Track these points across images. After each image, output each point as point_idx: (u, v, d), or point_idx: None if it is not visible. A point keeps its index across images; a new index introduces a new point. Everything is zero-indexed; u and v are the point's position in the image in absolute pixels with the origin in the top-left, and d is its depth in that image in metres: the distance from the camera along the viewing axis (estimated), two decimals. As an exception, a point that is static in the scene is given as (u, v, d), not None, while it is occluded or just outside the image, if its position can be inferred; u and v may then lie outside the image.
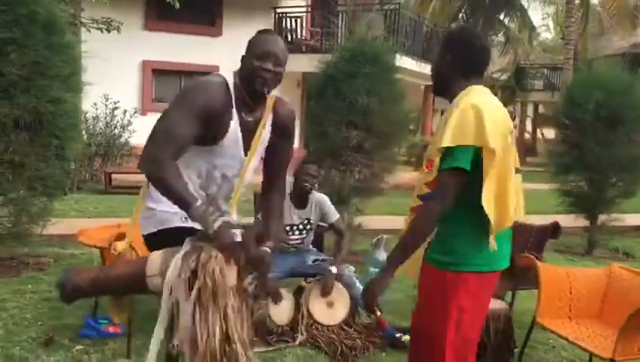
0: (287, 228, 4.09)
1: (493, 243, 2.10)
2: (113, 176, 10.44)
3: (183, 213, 2.09)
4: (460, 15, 21.16)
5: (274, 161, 2.47)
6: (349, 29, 13.94)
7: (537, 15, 35.68)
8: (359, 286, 4.05)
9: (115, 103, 11.28)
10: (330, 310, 3.98)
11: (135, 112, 11.44)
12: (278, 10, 13.75)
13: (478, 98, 2.15)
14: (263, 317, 3.87)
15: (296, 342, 3.80)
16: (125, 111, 11.37)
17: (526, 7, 23.41)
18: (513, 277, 4.02)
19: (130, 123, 11.37)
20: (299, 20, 13.70)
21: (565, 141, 7.25)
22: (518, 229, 4.36)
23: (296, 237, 4.16)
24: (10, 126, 4.62)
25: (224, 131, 2.21)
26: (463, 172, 2.07)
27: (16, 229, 5.06)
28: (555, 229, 4.39)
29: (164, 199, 2.11)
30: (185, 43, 12.89)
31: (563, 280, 3.50)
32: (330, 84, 5.56)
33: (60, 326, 3.80)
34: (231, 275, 2.04)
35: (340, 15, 13.94)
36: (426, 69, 14.96)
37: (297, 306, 3.97)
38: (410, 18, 14.42)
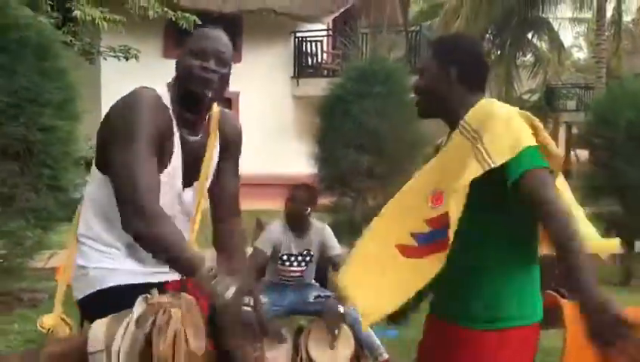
0: (285, 258, 3.75)
1: None
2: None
3: (126, 267, 1.80)
4: (487, 35, 20.79)
5: (227, 188, 2.06)
6: (370, 51, 13.76)
7: (568, 34, 35.06)
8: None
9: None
10: (332, 352, 3.61)
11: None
12: (298, 35, 13.61)
13: (511, 108, 1.76)
14: (257, 360, 3.53)
15: (294, 389, 3.44)
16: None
17: (555, 26, 22.96)
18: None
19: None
20: (319, 44, 13.53)
21: (596, 162, 6.85)
22: (544, 262, 3.94)
23: (295, 269, 3.81)
24: (-5, 156, 4.44)
25: (169, 156, 1.81)
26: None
27: (8, 263, 4.84)
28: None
29: (96, 254, 1.79)
30: (204, 69, 12.83)
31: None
32: (338, 105, 5.27)
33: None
34: (195, 337, 1.65)
35: (361, 37, 13.74)
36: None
37: (296, 348, 3.62)
38: (430, 40, 14.15)
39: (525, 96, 26.74)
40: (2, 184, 4.48)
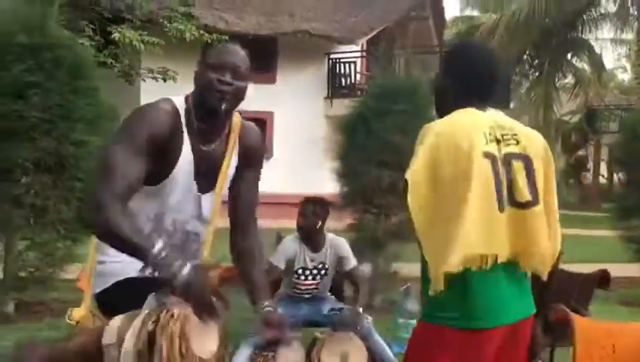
0: (300, 271, 3.80)
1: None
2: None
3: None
4: (525, 57, 20.62)
5: (244, 196, 2.13)
6: (403, 73, 13.81)
7: (610, 56, 34.47)
8: (377, 338, 3.70)
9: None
10: (345, 364, 3.63)
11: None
12: (332, 56, 13.78)
13: (444, 121, 1.85)
14: (271, 371, 3.57)
15: (305, 401, 3.46)
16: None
17: (597, 47, 22.62)
18: (551, 333, 3.57)
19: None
20: (352, 65, 13.67)
21: (628, 182, 6.70)
22: (561, 279, 3.89)
23: (310, 282, 3.85)
24: (30, 169, 4.63)
25: (174, 161, 1.90)
26: None
27: (39, 273, 5.02)
28: (602, 278, 3.89)
29: (113, 248, 1.85)
30: (240, 90, 13.07)
31: (604, 337, 3.02)
32: (360, 122, 5.34)
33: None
34: (201, 340, 1.67)
35: (396, 58, 13.82)
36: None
37: (309, 360, 3.65)
38: (467, 60, 14.11)
39: (566, 118, 26.32)
40: (35, 196, 4.67)
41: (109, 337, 1.72)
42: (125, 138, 1.82)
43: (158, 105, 1.91)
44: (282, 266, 3.73)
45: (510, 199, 1.81)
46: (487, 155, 1.79)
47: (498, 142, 1.85)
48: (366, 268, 5.43)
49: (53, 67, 4.74)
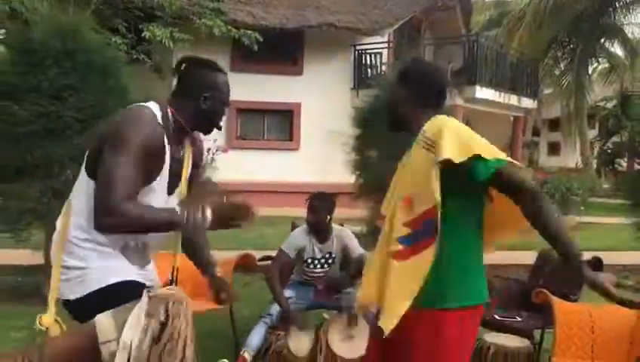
0: (309, 261, 4.12)
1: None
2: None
3: (124, 265, 2.03)
4: (553, 45, 20.30)
5: (195, 188, 2.31)
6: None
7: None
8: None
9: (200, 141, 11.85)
10: (350, 343, 3.93)
11: (217, 150, 11.97)
12: (358, 47, 13.96)
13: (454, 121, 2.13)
14: (281, 348, 3.91)
15: (313, 374, 3.79)
16: (209, 149, 11.93)
17: (630, 32, 22.18)
18: (541, 315, 3.82)
19: (213, 160, 11.90)
20: (378, 56, 13.84)
21: (642, 171, 6.80)
22: (555, 266, 4.15)
23: (319, 270, 4.16)
24: (68, 164, 5.03)
25: (160, 168, 2.05)
26: None
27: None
28: (595, 265, 4.09)
29: (95, 254, 1.98)
30: (268, 82, 13.37)
31: (583, 319, 3.27)
32: (372, 115, 5.59)
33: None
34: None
35: (422, 48, 13.94)
36: (513, 100, 14.56)
37: (317, 339, 3.97)
38: (492, 49, 14.12)
39: (600, 104, 25.91)
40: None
41: (105, 334, 1.76)
42: (125, 148, 1.92)
43: (148, 112, 2.03)
44: (292, 254, 4.05)
45: None
46: None
47: None
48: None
49: (86, 70, 5.14)
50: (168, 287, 1.92)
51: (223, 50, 13.10)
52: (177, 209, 1.94)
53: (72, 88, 5.05)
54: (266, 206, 12.58)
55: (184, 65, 2.18)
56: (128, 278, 2.01)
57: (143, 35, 10.11)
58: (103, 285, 1.97)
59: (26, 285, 5.65)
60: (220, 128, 2.23)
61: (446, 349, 2.06)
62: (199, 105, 2.13)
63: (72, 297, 1.98)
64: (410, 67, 2.27)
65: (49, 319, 1.96)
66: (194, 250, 2.39)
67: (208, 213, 1.94)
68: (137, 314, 1.76)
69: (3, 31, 8.17)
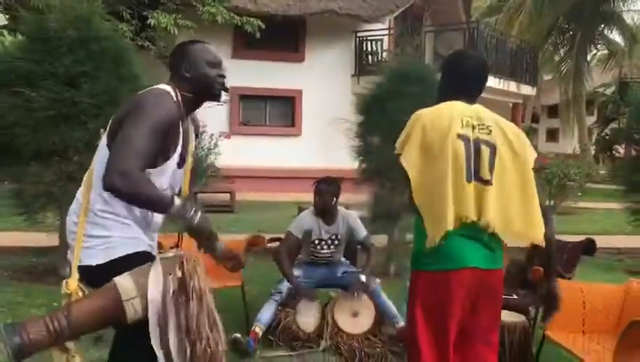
0: (316, 242, 4.31)
1: (432, 242, 2.26)
2: (198, 195, 11.12)
3: (143, 237, 2.18)
4: (552, 32, 20.42)
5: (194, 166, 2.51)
6: (430, 50, 14.05)
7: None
8: (384, 298, 4.21)
9: (203, 127, 12.01)
10: (355, 319, 4.15)
11: (220, 136, 12.14)
12: (359, 34, 14.08)
13: (432, 108, 2.38)
14: (289, 323, 4.12)
15: (320, 348, 4.01)
16: (212, 135, 12.09)
17: (630, 19, 22.28)
18: (537, 292, 4.02)
19: (216, 145, 12.07)
20: (379, 43, 13.96)
21: (637, 156, 6.97)
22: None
23: (326, 251, 4.36)
24: (82, 148, 5.21)
25: (175, 145, 2.17)
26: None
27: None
28: (588, 246, 4.32)
29: (119, 225, 2.10)
30: (270, 69, 13.51)
31: (576, 295, 3.48)
32: (375, 103, 5.76)
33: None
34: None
35: (423, 35, 14.06)
36: (512, 87, 14.71)
37: (324, 315, 4.18)
38: (492, 36, 14.25)
39: (599, 90, 26.03)
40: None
41: (128, 293, 1.93)
42: (145, 119, 2.02)
43: (167, 92, 2.16)
44: (299, 236, 4.25)
45: (476, 174, 2.32)
46: (461, 136, 2.33)
47: (473, 128, 2.36)
48: (381, 239, 5.91)
49: (99, 57, 5.30)
50: (175, 250, 2.17)
51: (225, 37, 13.22)
52: (177, 201, 2.05)
53: (86, 75, 5.21)
54: (268, 191, 12.84)
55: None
56: (144, 249, 2.17)
57: (147, 21, 10.23)
58: (124, 253, 2.10)
59: (41, 265, 5.86)
60: (226, 90, 2.32)
61: None
62: (185, 76, 2.23)
63: (93, 263, 2.08)
64: (448, 58, 2.59)
65: (74, 283, 2.06)
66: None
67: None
68: (155, 273, 1.95)
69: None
